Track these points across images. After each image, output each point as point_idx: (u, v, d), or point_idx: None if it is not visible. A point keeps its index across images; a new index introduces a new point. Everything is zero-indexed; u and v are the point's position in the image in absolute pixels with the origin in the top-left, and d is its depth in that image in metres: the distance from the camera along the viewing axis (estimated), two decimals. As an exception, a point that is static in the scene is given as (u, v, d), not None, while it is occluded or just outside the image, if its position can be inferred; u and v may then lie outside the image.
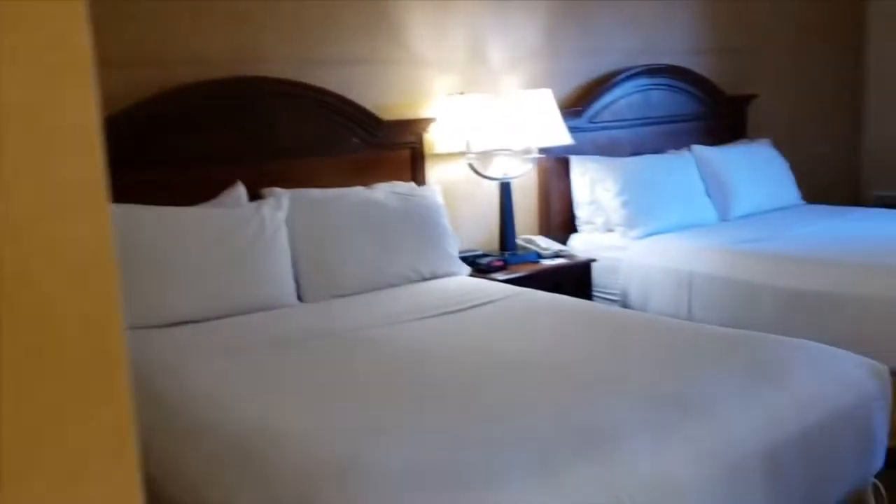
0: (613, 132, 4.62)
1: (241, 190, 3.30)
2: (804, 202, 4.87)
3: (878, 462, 2.20)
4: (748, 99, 5.22)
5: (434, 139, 3.90)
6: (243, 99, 3.37)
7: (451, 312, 2.86)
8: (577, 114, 4.41)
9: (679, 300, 3.79)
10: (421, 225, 3.46)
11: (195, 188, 3.24)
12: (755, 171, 4.65)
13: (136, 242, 2.84)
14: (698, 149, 4.66)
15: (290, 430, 1.80)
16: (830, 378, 2.09)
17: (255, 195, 3.35)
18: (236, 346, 2.55)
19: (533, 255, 4.01)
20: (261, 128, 3.41)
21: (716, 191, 4.53)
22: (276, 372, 2.28)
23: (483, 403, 1.93)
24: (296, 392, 2.09)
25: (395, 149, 3.80)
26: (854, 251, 3.47)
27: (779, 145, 5.02)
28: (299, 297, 3.17)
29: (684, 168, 4.50)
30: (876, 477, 2.26)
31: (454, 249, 3.56)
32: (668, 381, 2.01)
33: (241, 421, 1.91)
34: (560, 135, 4.03)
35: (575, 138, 4.35)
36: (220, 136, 3.33)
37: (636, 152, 4.64)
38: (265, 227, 3.10)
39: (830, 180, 5.74)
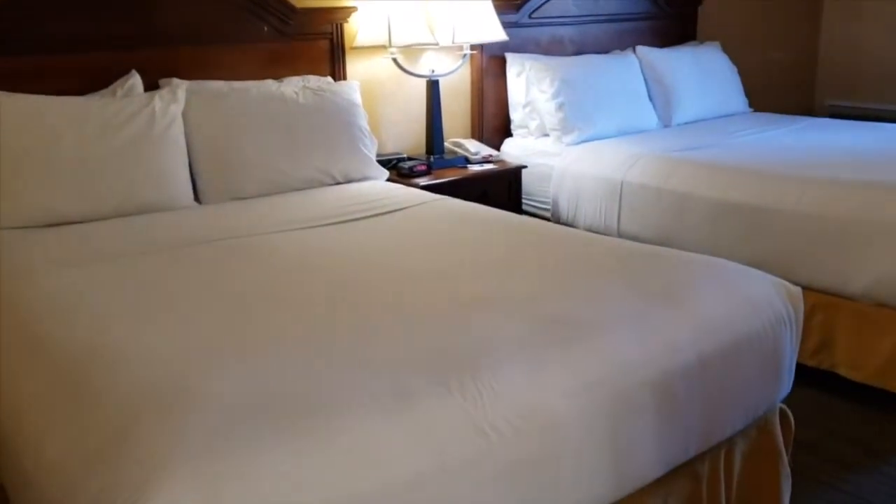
0: (556, 29, 4.34)
1: (135, 79, 3.00)
2: (752, 110, 4.67)
3: (786, 387, 2.08)
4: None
5: (355, 30, 3.59)
6: (135, -23, 3.03)
7: (352, 220, 2.64)
8: (516, 7, 4.11)
9: (609, 211, 3.61)
10: (334, 124, 3.20)
11: (84, 76, 2.94)
12: (701, 75, 4.42)
13: (5, 134, 2.56)
14: (643, 50, 4.40)
15: (125, 351, 1.61)
16: (736, 300, 1.93)
17: (153, 86, 3.06)
18: (104, 252, 2.32)
19: (460, 159, 3.79)
20: (158, 11, 3.08)
21: (659, 96, 4.30)
22: (136, 282, 2.06)
23: (346, 322, 1.75)
24: (148, 305, 1.89)
25: (311, 39, 3.50)
26: (790, 163, 3.30)
27: (730, 50, 4.77)
28: (197, 199, 2.94)
29: (627, 70, 4.25)
30: (784, 401, 2.14)
31: (371, 152, 3.32)
32: (556, 300, 1.84)
33: (77, 339, 1.71)
34: (493, 30, 3.74)
35: (514, 35, 4.07)
36: (113, 18, 3.00)
37: (580, 52, 4.38)
38: (156, 120, 2.82)
39: (783, 88, 5.53)
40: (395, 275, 2.07)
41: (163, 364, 1.54)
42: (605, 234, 3.57)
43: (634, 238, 3.46)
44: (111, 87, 2.95)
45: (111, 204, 2.69)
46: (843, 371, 2.84)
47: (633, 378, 1.67)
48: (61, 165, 2.61)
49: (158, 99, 2.87)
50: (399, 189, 3.11)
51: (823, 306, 2.87)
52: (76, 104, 2.73)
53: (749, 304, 1.94)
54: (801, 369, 2.40)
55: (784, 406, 2.15)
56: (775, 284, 2.04)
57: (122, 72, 3.01)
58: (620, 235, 3.56)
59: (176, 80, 3.06)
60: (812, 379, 2.87)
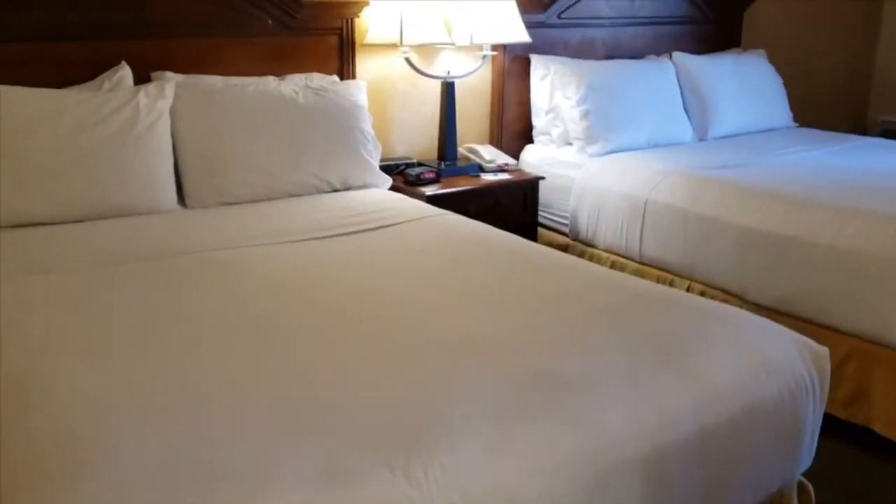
0: (587, 31, 4.06)
1: (124, 72, 2.81)
2: (796, 125, 4.35)
3: (806, 462, 1.81)
4: (746, 3, 4.60)
5: (367, 26, 3.36)
6: (129, -38, 2.83)
7: (338, 235, 2.43)
8: (543, 7, 3.84)
9: (631, 232, 3.34)
10: (335, 127, 2.98)
11: (71, 67, 2.77)
12: (743, 86, 4.10)
13: (-27, 127, 2.39)
14: (680, 56, 4.10)
15: (40, 391, 1.42)
16: (750, 361, 1.67)
17: (146, 80, 2.87)
18: (66, 260, 2.14)
19: (474, 167, 3.54)
20: (152, 1, 2.89)
21: (695, 106, 4.00)
22: (88, 300, 1.87)
23: (290, 367, 1.53)
24: (90, 332, 1.70)
25: (318, 35, 3.28)
26: (832, 189, 2.99)
27: (776, 59, 4.44)
28: (183, 202, 2.74)
29: (661, 78, 3.96)
30: (805, 475, 1.87)
31: (374, 157, 3.10)
32: (537, 349, 1.59)
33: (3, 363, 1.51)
34: (515, 30, 3.49)
35: (540, 36, 3.82)
36: (105, 6, 2.81)
37: (611, 56, 4.10)
38: (139, 117, 2.63)
39: (832, 102, 5.17)
40: (366, 305, 1.85)
41: (76, 413, 1.34)
42: (624, 257, 3.36)
43: (656, 262, 3.22)
44: (98, 80, 2.77)
45: (85, 205, 2.50)
46: (878, 427, 2.54)
47: (618, 454, 1.42)
48: (32, 162, 2.43)
49: (144, 94, 2.68)
50: (399, 200, 2.89)
51: (859, 354, 2.57)
52: (53, 97, 2.54)
53: (765, 367, 1.68)
54: (830, 420, 2.13)
55: (804, 480, 1.88)
56: (798, 344, 1.76)
57: (113, 63, 2.83)
58: (642, 258, 3.30)
59: (168, 74, 2.88)
60: (842, 432, 2.58)
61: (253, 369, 1.52)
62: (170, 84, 2.77)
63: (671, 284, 3.15)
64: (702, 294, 3.02)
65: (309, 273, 2.08)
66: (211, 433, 1.29)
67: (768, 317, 2.74)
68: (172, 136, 2.74)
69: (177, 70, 2.92)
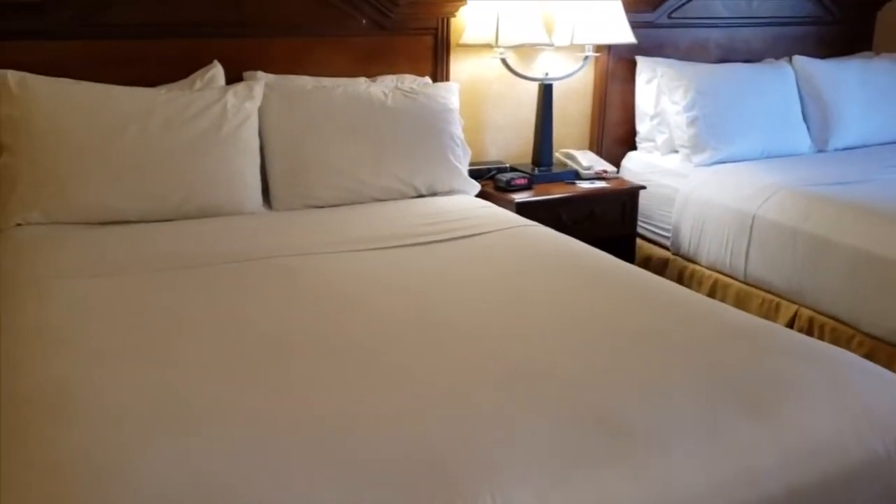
0: (700, 31, 3.83)
1: (216, 70, 2.82)
2: (930, 137, 3.97)
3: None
4: (879, 4, 4.23)
5: (463, 26, 3.26)
6: (225, -39, 2.84)
7: (416, 245, 2.34)
8: (653, 6, 3.64)
9: (736, 249, 3.11)
10: (424, 130, 2.90)
11: (165, 64, 2.80)
12: (870, 93, 3.77)
13: (70, 123, 2.43)
14: (801, 60, 3.80)
15: (79, 401, 1.39)
16: (852, 412, 1.46)
17: (238, 79, 2.88)
18: (142, 260, 2.14)
19: (570, 173, 3.39)
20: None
21: (815, 114, 3.71)
22: (151, 305, 1.86)
23: (332, 388, 1.46)
24: (144, 340, 1.67)
25: (413, 35, 3.21)
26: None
27: (911, 63, 4.07)
28: (268, 204, 2.73)
29: (779, 83, 3.68)
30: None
31: (462, 162, 3.00)
32: (605, 389, 1.45)
33: (46, 375, 1.51)
34: (620, 30, 3.31)
35: (648, 36, 3.63)
36: (200, 5, 2.83)
37: (725, 59, 3.85)
38: (227, 117, 2.62)
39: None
40: (427, 324, 1.76)
41: (106, 428, 1.31)
42: (728, 276, 3.15)
43: (761, 284, 2.99)
44: (190, 78, 2.79)
45: (172, 205, 2.52)
46: None
47: (692, 514, 1.27)
48: (120, 160, 2.46)
49: (232, 94, 2.67)
50: (485, 208, 2.78)
51: None
52: (143, 95, 2.57)
53: (869, 420, 1.47)
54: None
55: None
56: (909, 394, 1.55)
57: (206, 62, 2.84)
58: (746, 278, 3.07)
59: (259, 74, 2.87)
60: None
61: (295, 389, 1.45)
62: (259, 84, 2.76)
63: (777, 308, 2.91)
64: (810, 321, 2.78)
65: (377, 286, 2.01)
66: (239, 459, 1.22)
67: (885, 351, 2.52)
68: (260, 136, 2.72)
69: (269, 70, 2.92)
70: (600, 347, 1.65)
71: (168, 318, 1.78)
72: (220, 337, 1.69)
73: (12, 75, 2.42)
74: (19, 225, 2.36)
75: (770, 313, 2.93)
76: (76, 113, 2.45)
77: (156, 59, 2.78)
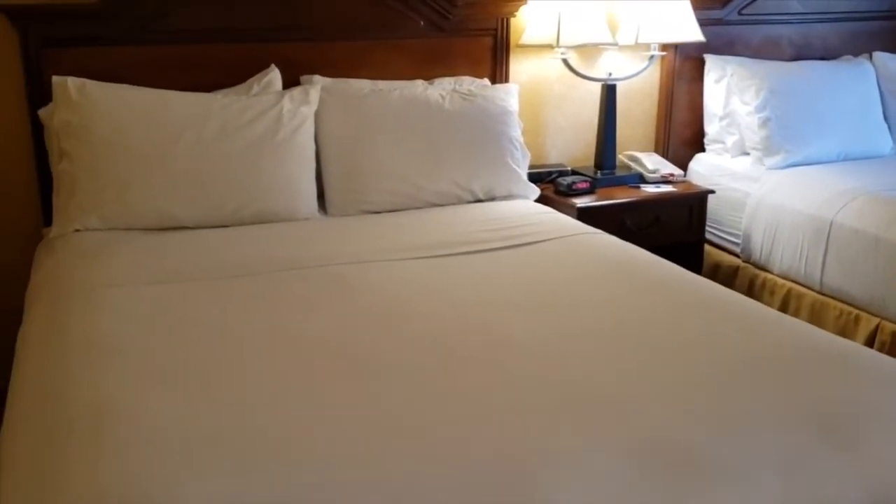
0: (773, 28, 3.66)
1: (273, 74, 2.80)
2: None
3: None
4: (969, -6, 3.99)
5: (523, 26, 3.18)
6: (283, -35, 2.81)
7: (469, 253, 2.27)
8: (722, 2, 3.49)
9: (812, 257, 2.94)
10: (481, 133, 2.82)
11: (223, 69, 2.79)
12: (958, 91, 3.55)
13: (128, 129, 2.43)
14: (882, 57, 3.60)
15: (120, 423, 1.35)
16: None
17: (295, 82, 2.85)
18: (197, 268, 2.12)
19: (634, 177, 3.27)
20: (305, 2, 2.85)
21: (898, 114, 3.51)
22: (204, 317, 1.83)
23: (373, 406, 1.41)
24: (192, 355, 1.63)
25: (472, 36, 3.13)
26: None
27: None
28: (324, 209, 2.69)
29: (858, 81, 3.49)
30: None
31: (521, 166, 2.91)
32: (664, 417, 1.34)
33: (91, 392, 1.48)
34: (688, 28, 3.18)
35: (717, 34, 3.49)
36: (257, 9, 2.81)
37: (799, 57, 3.67)
38: (282, 122, 2.59)
39: None
40: (479, 338, 1.70)
41: (149, 451, 1.27)
42: (803, 285, 2.99)
43: (839, 294, 2.83)
44: (248, 83, 2.77)
45: (227, 211, 2.50)
46: None
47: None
48: (177, 166, 2.44)
49: (288, 99, 2.64)
50: (544, 213, 2.69)
51: None
52: (200, 101, 2.55)
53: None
54: None
55: None
56: None
57: (263, 66, 2.82)
58: (822, 289, 2.90)
59: (316, 77, 2.83)
60: None
61: (355, 413, 1.39)
62: (315, 89, 2.72)
63: (856, 321, 2.74)
64: (893, 336, 2.61)
65: (429, 296, 1.94)
66: (298, 493, 1.16)
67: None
68: (316, 140, 2.69)
69: (327, 73, 2.88)
70: (666, 368, 1.54)
71: (221, 330, 1.75)
72: (274, 352, 1.64)
73: (72, 82, 2.43)
74: (77, 231, 2.37)
75: (848, 326, 2.77)
76: (134, 119, 2.45)
77: (214, 64, 2.77)
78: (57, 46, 2.57)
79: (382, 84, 2.90)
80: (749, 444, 1.29)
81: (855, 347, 1.66)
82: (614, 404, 1.40)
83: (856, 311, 2.77)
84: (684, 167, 3.55)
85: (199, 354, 1.65)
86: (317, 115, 2.70)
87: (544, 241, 2.38)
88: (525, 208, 2.75)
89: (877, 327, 2.67)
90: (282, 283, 2.04)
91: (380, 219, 2.63)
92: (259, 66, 2.82)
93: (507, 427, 1.33)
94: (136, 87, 2.53)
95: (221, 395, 1.47)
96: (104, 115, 2.41)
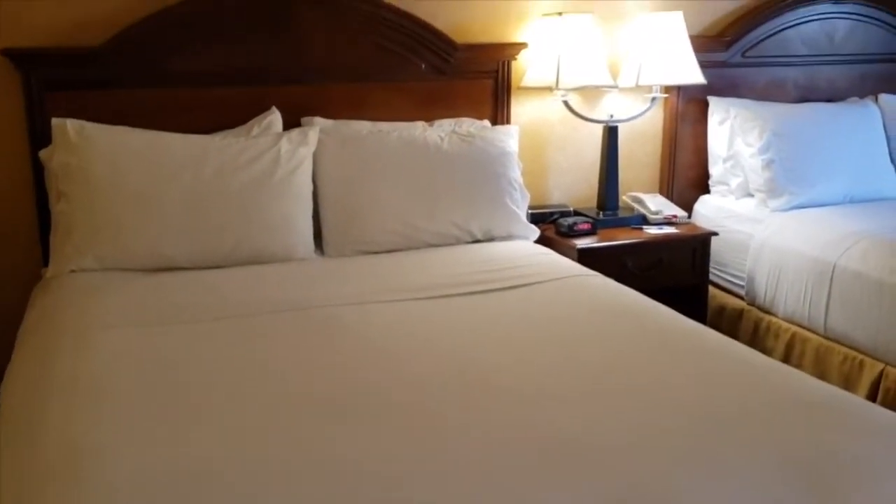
0: (777, 70, 3.65)
1: (274, 116, 2.83)
2: None
3: None
4: (976, 37, 3.97)
5: (525, 69, 3.19)
6: (287, 11, 2.84)
7: (465, 294, 2.25)
8: (725, 45, 3.50)
9: (816, 301, 2.90)
10: (480, 174, 2.82)
11: (225, 111, 2.82)
12: (966, 133, 3.51)
13: (126, 170, 2.45)
14: (888, 99, 3.58)
15: (96, 466, 1.33)
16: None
17: (296, 124, 2.87)
18: (188, 309, 2.11)
19: (637, 218, 3.25)
20: (307, 45, 2.89)
21: (904, 156, 3.48)
22: (178, 358, 1.82)
23: (352, 453, 1.38)
24: (170, 398, 1.62)
25: (473, 78, 3.15)
26: None
27: None
28: (321, 250, 2.69)
29: (864, 123, 3.47)
30: None
31: (521, 207, 2.91)
32: (653, 470, 1.31)
33: (65, 433, 1.47)
34: (689, 71, 3.18)
35: (721, 76, 3.49)
36: (259, 52, 2.84)
37: (805, 99, 3.66)
38: (280, 163, 2.60)
39: None
40: (463, 384, 1.67)
41: (123, 496, 1.25)
42: (808, 329, 2.94)
43: (843, 339, 2.78)
44: (248, 124, 2.79)
45: (222, 252, 2.50)
46: None
47: None
48: (173, 207, 2.46)
49: (286, 140, 2.66)
50: (543, 255, 2.67)
51: None
52: (198, 142, 2.57)
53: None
54: None
55: None
56: None
57: (264, 108, 2.85)
58: (827, 333, 2.85)
59: (317, 119, 2.86)
60: None
61: (334, 456, 1.37)
62: (314, 130, 2.74)
63: (861, 367, 2.69)
64: (898, 382, 2.55)
65: (422, 338, 1.93)
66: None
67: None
68: (314, 182, 2.70)
69: (328, 115, 2.90)
70: (652, 418, 1.50)
71: (209, 372, 1.74)
72: (260, 394, 1.63)
73: (71, 124, 2.46)
74: (73, 272, 2.38)
75: (853, 371, 2.71)
76: (131, 160, 2.47)
77: (215, 107, 2.80)
78: (59, 89, 2.61)
79: (383, 125, 2.92)
80: (732, 497, 1.25)
81: (843, 396, 1.61)
82: (597, 452, 1.37)
83: (860, 356, 2.71)
84: (689, 209, 3.53)
85: (185, 396, 1.64)
86: (315, 155, 2.71)
87: (539, 283, 2.36)
88: (523, 249, 2.73)
89: (881, 373, 2.62)
90: (274, 325, 2.03)
91: (377, 259, 2.62)
92: (260, 108, 2.85)
93: (485, 477, 1.30)
94: (134, 129, 2.55)
95: (205, 437, 1.45)
96: (102, 157, 2.44)
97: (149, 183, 2.46)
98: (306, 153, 2.68)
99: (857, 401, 1.60)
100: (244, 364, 1.79)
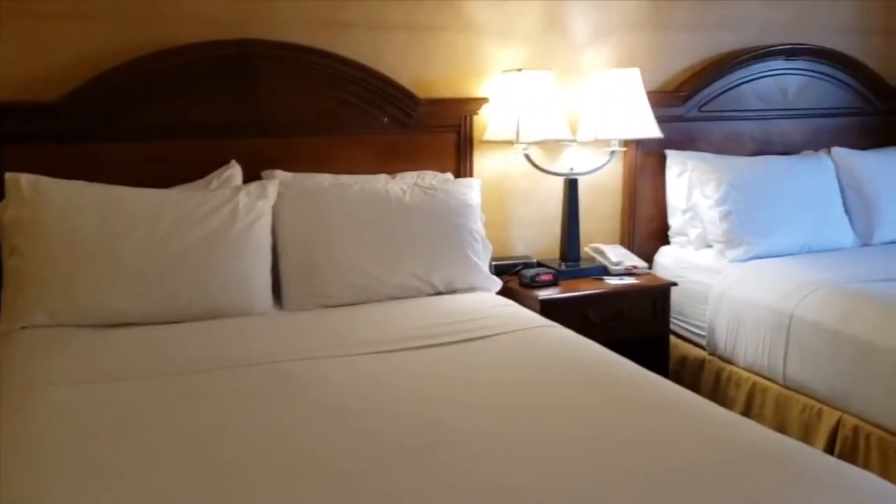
0: (734, 125, 3.74)
1: (234, 170, 2.83)
2: None
3: None
4: (922, 92, 4.11)
5: (487, 123, 3.24)
6: (248, 66, 2.87)
7: (423, 347, 2.24)
8: (682, 99, 3.58)
9: (774, 351, 2.92)
10: (441, 226, 2.84)
11: (186, 164, 2.81)
12: (916, 184, 3.60)
13: (80, 225, 2.44)
14: (840, 152, 3.68)
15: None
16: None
17: (256, 178, 2.87)
18: (137, 366, 2.07)
19: (598, 269, 3.28)
20: (269, 98, 2.91)
21: (857, 207, 3.55)
22: (134, 415, 1.79)
23: None
24: (103, 452, 1.60)
25: (436, 132, 3.19)
26: None
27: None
28: (280, 304, 2.67)
29: (818, 175, 3.55)
30: None
31: (482, 258, 2.91)
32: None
33: (12, 486, 1.43)
34: (646, 125, 3.25)
35: (678, 130, 3.57)
36: (221, 105, 2.86)
37: (761, 152, 3.75)
38: (238, 216, 2.60)
39: None
40: (428, 445, 1.62)
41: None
42: (767, 378, 2.96)
43: (802, 388, 2.81)
44: (207, 178, 2.79)
45: (177, 307, 2.47)
46: None
47: None
48: (127, 263, 2.43)
49: (245, 193, 2.66)
50: (504, 306, 2.68)
51: None
52: (154, 196, 2.56)
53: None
54: None
55: None
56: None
57: (224, 161, 2.85)
58: (786, 382, 2.88)
59: (278, 172, 2.86)
60: None
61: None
62: (273, 183, 2.75)
63: (819, 415, 2.71)
64: (855, 430, 2.57)
65: (376, 393, 1.91)
66: None
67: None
68: (273, 235, 2.69)
69: (290, 168, 2.91)
70: (605, 472, 1.49)
71: (157, 430, 1.70)
72: (205, 452, 1.60)
73: (25, 178, 2.45)
74: (24, 328, 2.34)
75: (812, 420, 2.73)
76: (85, 215, 2.45)
77: (174, 160, 2.80)
78: (16, 143, 2.60)
79: (345, 178, 2.93)
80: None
81: (798, 448, 1.60)
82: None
83: (819, 405, 2.73)
84: (650, 260, 3.57)
85: (131, 454, 1.60)
86: (275, 209, 2.71)
87: (498, 334, 2.36)
88: (484, 301, 2.73)
89: (838, 421, 2.63)
90: (224, 381, 1.99)
91: (337, 313, 2.61)
92: (220, 162, 2.85)
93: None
94: (90, 184, 2.54)
95: (149, 495, 1.42)
96: (55, 212, 2.42)
97: (102, 238, 2.44)
98: (265, 206, 2.68)
99: (815, 454, 1.60)
100: (192, 420, 1.75)
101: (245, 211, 2.61)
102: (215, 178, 2.78)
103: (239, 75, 2.86)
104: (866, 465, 2.50)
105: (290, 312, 2.63)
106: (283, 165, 2.91)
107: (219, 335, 2.35)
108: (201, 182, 2.77)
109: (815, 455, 1.58)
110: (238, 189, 2.68)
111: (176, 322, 2.45)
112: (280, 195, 2.74)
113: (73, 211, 2.44)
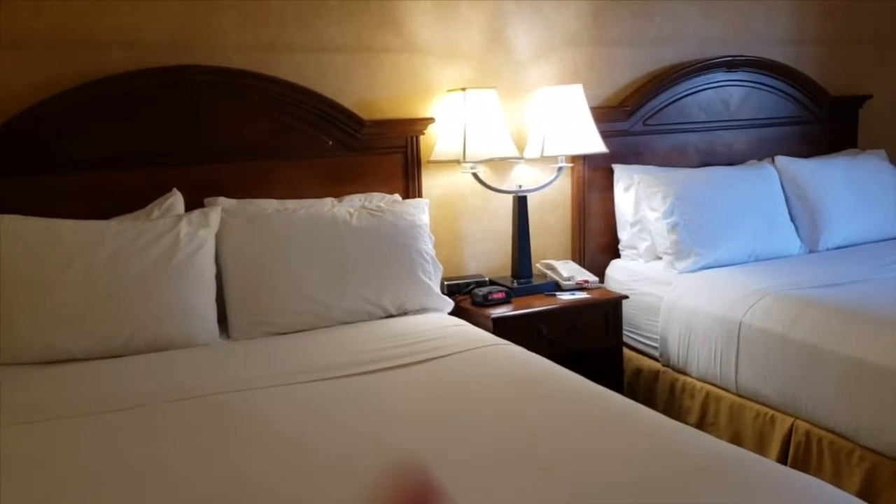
0: (678, 137, 3.78)
1: (175, 198, 2.77)
2: (925, 233, 3.84)
3: None
4: (859, 101, 4.20)
5: (434, 143, 3.23)
6: (187, 92, 2.82)
7: (372, 372, 2.21)
8: (627, 114, 3.61)
9: (725, 359, 2.94)
10: (390, 248, 2.81)
11: (125, 195, 2.75)
12: (858, 190, 3.67)
13: (13, 259, 2.37)
14: (784, 161, 3.74)
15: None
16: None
17: (199, 205, 2.82)
18: (72, 405, 2.01)
19: (550, 284, 3.28)
20: (209, 125, 2.86)
21: (802, 215, 3.60)
22: (66, 455, 1.74)
23: None
24: (47, 495, 1.53)
25: (382, 153, 3.17)
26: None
27: (898, 159, 4.00)
28: (227, 333, 2.61)
29: (763, 185, 3.60)
30: None
31: (433, 279, 2.89)
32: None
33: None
34: (591, 141, 3.26)
35: (624, 144, 3.60)
36: (160, 133, 2.80)
37: (707, 163, 3.79)
38: (179, 246, 2.54)
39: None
40: (364, 466, 1.60)
41: None
42: (720, 387, 2.96)
43: (754, 395, 2.82)
44: (148, 208, 2.73)
45: (119, 341, 2.40)
46: None
47: None
48: (65, 298, 2.36)
49: (186, 222, 2.61)
50: (457, 326, 2.65)
51: None
52: (92, 228, 2.50)
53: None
54: None
55: None
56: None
57: (166, 190, 2.79)
58: (738, 389, 2.89)
59: (221, 199, 2.81)
60: None
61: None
62: (215, 210, 2.70)
63: (772, 422, 2.72)
64: (807, 435, 2.59)
65: (322, 423, 1.87)
66: None
67: (888, 467, 2.32)
68: (217, 264, 2.64)
69: (233, 194, 2.87)
70: (555, 488, 1.48)
71: (90, 468, 1.66)
72: (139, 489, 1.55)
73: (-44, 214, 2.37)
74: (-40, 368, 2.26)
75: (766, 427, 2.74)
76: (21, 250, 2.38)
77: (115, 190, 2.74)
78: (-51, 178, 2.52)
79: (290, 203, 2.89)
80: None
81: (747, 457, 1.60)
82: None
83: (771, 412, 2.74)
84: (601, 274, 3.58)
85: (67, 495, 1.54)
86: (218, 236, 2.66)
87: (449, 355, 2.34)
88: (436, 322, 2.71)
89: (791, 427, 2.65)
90: (168, 415, 1.94)
91: (284, 341, 2.56)
92: (161, 191, 2.79)
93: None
94: (25, 218, 2.47)
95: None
96: (-11, 247, 2.35)
97: (39, 273, 2.37)
98: (207, 234, 2.63)
99: (762, 462, 1.59)
100: (127, 462, 1.69)
101: (186, 240, 2.56)
102: (156, 208, 2.73)
103: (178, 102, 2.81)
104: (820, 469, 2.52)
105: (236, 342, 2.58)
106: (226, 192, 2.87)
107: (162, 368, 2.29)
108: (142, 212, 2.71)
109: (764, 464, 1.58)
110: (179, 218, 2.63)
111: (118, 356, 2.39)
112: (223, 222, 2.69)
113: (8, 246, 2.37)
